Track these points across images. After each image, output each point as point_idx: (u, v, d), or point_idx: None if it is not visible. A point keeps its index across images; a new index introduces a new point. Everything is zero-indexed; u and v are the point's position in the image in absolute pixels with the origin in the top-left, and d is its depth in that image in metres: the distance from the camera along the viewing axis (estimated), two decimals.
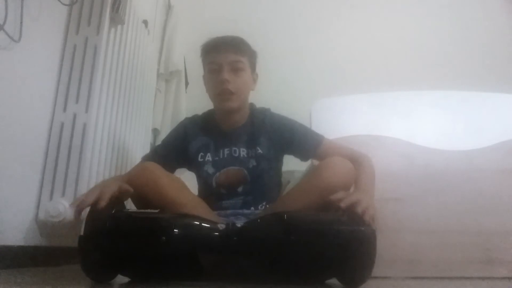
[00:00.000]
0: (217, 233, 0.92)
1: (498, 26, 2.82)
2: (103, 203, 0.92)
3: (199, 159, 1.27)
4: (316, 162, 1.31)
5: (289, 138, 1.26)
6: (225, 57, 1.23)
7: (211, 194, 1.24)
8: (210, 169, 1.25)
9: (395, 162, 1.42)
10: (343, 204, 0.92)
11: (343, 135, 1.43)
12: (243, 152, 1.25)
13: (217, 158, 1.26)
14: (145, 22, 1.92)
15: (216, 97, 1.26)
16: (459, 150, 1.46)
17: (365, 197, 0.97)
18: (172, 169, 1.26)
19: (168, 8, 2.54)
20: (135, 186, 1.04)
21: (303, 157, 1.30)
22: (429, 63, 2.71)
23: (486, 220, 1.37)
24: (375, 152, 1.18)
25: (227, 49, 1.24)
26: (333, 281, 1.00)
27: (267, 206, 1.22)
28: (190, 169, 1.33)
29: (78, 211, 0.94)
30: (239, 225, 0.95)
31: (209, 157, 1.26)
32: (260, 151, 1.24)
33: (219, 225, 0.94)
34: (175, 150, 1.30)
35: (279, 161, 1.32)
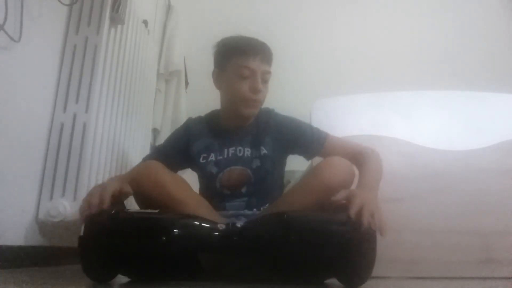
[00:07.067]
0: (217, 233, 0.92)
1: (498, 26, 2.82)
2: (105, 206, 0.93)
3: (201, 161, 1.25)
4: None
5: (295, 137, 1.25)
6: (261, 66, 1.20)
7: (215, 195, 1.22)
8: (213, 169, 1.23)
9: (395, 162, 1.41)
10: (351, 214, 0.88)
11: (343, 135, 1.43)
12: (247, 152, 1.23)
13: (220, 157, 1.24)
14: (145, 22, 1.93)
15: (241, 102, 1.21)
16: (459, 150, 1.45)
17: (368, 196, 0.94)
18: (174, 170, 1.24)
19: (168, 8, 2.54)
20: (138, 184, 1.04)
21: (308, 155, 1.28)
22: (429, 63, 2.72)
23: (486, 220, 1.37)
24: None
25: (262, 58, 1.21)
26: (333, 281, 1.00)
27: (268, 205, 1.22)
28: (193, 169, 1.32)
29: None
30: (239, 225, 0.95)
31: (212, 157, 1.24)
32: (265, 151, 1.22)
33: (219, 225, 0.93)
34: (178, 151, 1.28)
35: (283, 163, 1.31)
